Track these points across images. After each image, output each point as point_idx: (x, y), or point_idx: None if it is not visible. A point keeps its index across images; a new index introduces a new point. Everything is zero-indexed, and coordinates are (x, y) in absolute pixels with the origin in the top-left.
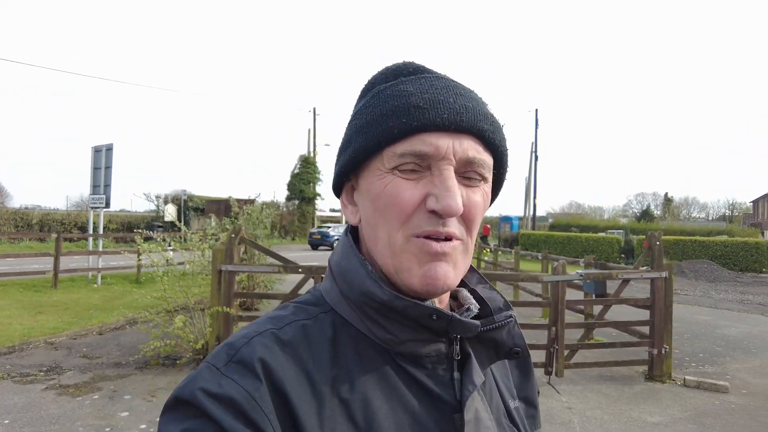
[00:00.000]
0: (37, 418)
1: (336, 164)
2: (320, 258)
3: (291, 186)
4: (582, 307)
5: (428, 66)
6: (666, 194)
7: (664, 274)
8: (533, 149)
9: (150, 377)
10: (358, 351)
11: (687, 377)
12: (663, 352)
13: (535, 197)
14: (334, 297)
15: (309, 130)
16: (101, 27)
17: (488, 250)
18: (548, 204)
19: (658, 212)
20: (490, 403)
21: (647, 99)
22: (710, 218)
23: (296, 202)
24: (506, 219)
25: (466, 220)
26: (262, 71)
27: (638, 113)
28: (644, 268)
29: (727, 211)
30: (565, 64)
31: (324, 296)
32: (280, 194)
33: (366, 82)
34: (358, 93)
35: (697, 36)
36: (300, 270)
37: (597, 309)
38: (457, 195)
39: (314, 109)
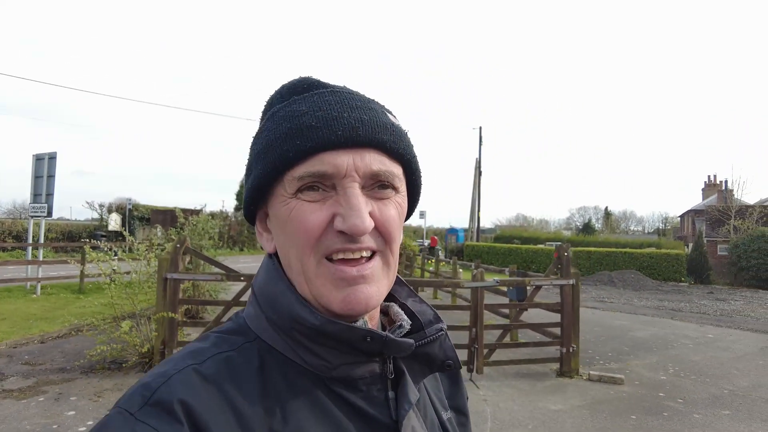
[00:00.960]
0: None
1: (244, 192)
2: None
3: (239, 196)
4: (507, 311)
5: (368, 90)
6: (606, 208)
7: (571, 282)
8: (477, 165)
9: (96, 380)
10: (288, 380)
11: (591, 372)
12: (571, 350)
13: (479, 210)
14: (259, 324)
15: None
16: (39, 29)
17: (431, 261)
18: (496, 216)
19: (599, 225)
20: (425, 418)
21: (591, 115)
22: (646, 231)
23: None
24: (452, 231)
25: (382, 233)
26: (213, 81)
27: (582, 129)
28: (554, 276)
29: (660, 224)
30: (510, 82)
31: (248, 323)
32: (229, 204)
33: (265, 102)
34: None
35: (635, 57)
36: (242, 278)
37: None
38: (363, 213)
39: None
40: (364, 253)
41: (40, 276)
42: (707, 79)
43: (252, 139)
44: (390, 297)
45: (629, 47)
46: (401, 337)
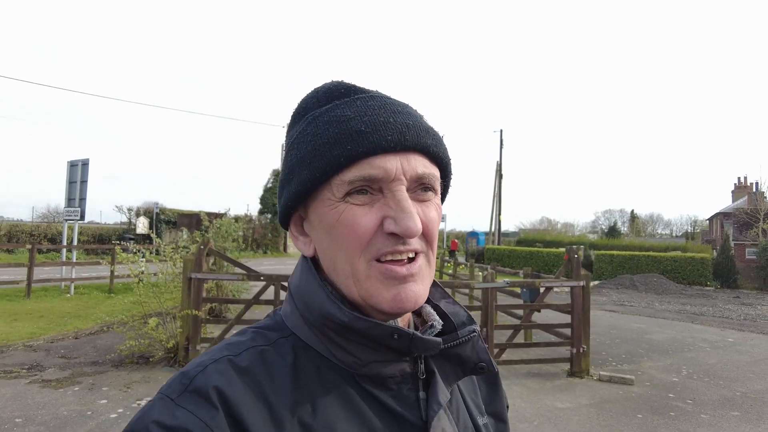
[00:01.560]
0: (25, 405)
1: (280, 197)
2: (281, 269)
3: (263, 200)
4: (521, 312)
5: (388, 92)
6: (632, 211)
7: (581, 283)
8: (498, 168)
9: (125, 373)
10: (320, 374)
11: (601, 373)
12: (581, 351)
13: (499, 214)
14: (294, 321)
15: (282, 145)
16: (74, 40)
17: (450, 264)
18: (520, 219)
19: (625, 228)
20: (458, 421)
21: (618, 116)
22: (674, 234)
23: (269, 215)
24: (473, 234)
25: (425, 235)
26: (239, 88)
27: (609, 131)
28: (564, 278)
29: (689, 227)
30: (536, 84)
31: (284, 320)
32: (254, 208)
33: (296, 106)
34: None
35: (661, 57)
36: (262, 278)
37: (536, 314)
38: (415, 215)
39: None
40: (410, 255)
41: (73, 276)
42: (738, 79)
43: (288, 144)
44: None
45: (657, 47)
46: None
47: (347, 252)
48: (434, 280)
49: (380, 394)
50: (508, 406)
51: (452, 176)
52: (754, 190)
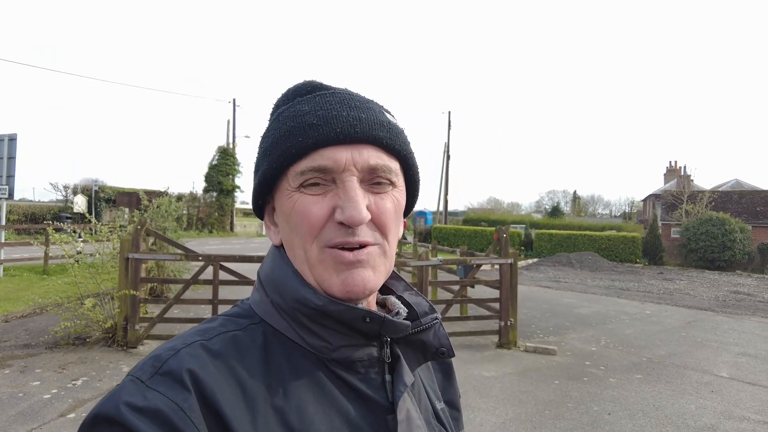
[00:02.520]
0: None
1: (253, 187)
2: (224, 250)
3: (209, 178)
4: (457, 288)
5: (339, 74)
6: (574, 192)
7: (509, 261)
8: (446, 149)
9: (60, 354)
10: (291, 359)
11: (527, 344)
12: (509, 324)
13: (446, 194)
14: (264, 308)
15: (228, 121)
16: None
17: (401, 243)
18: (468, 200)
19: (567, 208)
20: (419, 403)
21: (563, 100)
22: (614, 215)
23: (214, 194)
24: (421, 213)
25: (378, 225)
26: (184, 62)
27: (555, 115)
28: (494, 255)
29: (626, 208)
30: (485, 67)
31: (253, 308)
32: (199, 186)
33: (273, 104)
34: (279, 86)
35: (604, 44)
36: (200, 258)
37: (471, 290)
38: (360, 204)
39: (234, 100)
40: (362, 245)
41: (2, 258)
42: (677, 67)
43: (260, 139)
44: (387, 291)
45: (599, 33)
46: None
47: (301, 239)
48: (396, 273)
49: (349, 377)
50: (460, 396)
51: (417, 169)
52: (681, 173)
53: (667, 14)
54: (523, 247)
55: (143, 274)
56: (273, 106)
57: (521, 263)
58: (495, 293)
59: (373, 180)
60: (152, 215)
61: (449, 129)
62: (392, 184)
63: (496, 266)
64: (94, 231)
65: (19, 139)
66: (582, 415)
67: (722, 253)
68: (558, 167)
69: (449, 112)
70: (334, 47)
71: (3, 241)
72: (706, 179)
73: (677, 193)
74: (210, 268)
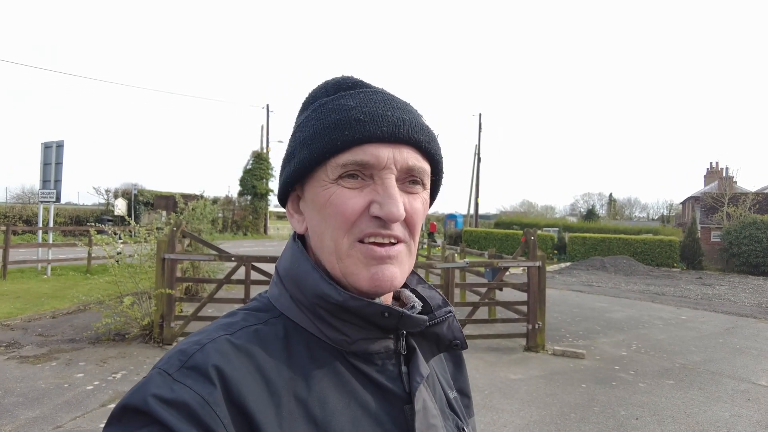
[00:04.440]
0: (3, 379)
1: (281, 175)
2: (257, 251)
3: (243, 182)
4: (484, 290)
5: (370, 77)
6: (610, 194)
7: (537, 263)
8: (476, 152)
9: (102, 349)
10: (311, 352)
11: (555, 348)
12: (536, 327)
13: (477, 196)
14: (284, 302)
15: (262, 127)
16: (51, 20)
17: (427, 246)
18: (500, 203)
19: (603, 212)
20: (434, 393)
21: (598, 101)
22: (651, 218)
23: (248, 197)
24: (451, 216)
25: (408, 224)
26: (218, 68)
27: (589, 115)
28: (521, 258)
29: (664, 211)
30: (518, 70)
31: (272, 302)
32: (235, 190)
33: (307, 95)
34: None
35: (641, 42)
36: (233, 258)
37: (500, 292)
38: (399, 202)
39: (267, 105)
40: (392, 240)
41: (50, 258)
42: (717, 66)
43: (295, 127)
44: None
45: (637, 32)
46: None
47: (333, 230)
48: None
49: (367, 369)
50: (469, 383)
51: (443, 175)
52: (723, 175)
53: (709, 9)
54: (555, 251)
55: (179, 274)
56: (308, 96)
57: (554, 267)
58: (523, 296)
59: (408, 179)
60: (188, 218)
61: (480, 131)
62: (423, 185)
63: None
64: (132, 233)
65: (66, 145)
66: (608, 419)
67: (767, 258)
68: (593, 169)
69: (480, 114)
70: (366, 53)
71: (51, 242)
72: (750, 181)
73: (717, 196)
74: (242, 269)
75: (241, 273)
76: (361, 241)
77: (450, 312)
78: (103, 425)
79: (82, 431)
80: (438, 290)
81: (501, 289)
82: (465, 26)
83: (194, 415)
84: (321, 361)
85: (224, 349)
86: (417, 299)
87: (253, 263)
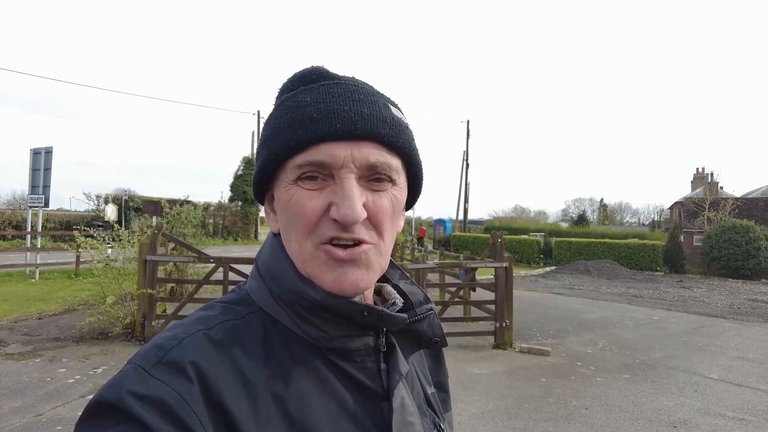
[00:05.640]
0: None
1: (253, 174)
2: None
3: (234, 187)
4: (459, 290)
5: (334, 70)
6: (601, 200)
7: (504, 264)
8: (464, 158)
9: (85, 347)
10: (289, 348)
11: (522, 345)
12: (504, 325)
13: (466, 202)
14: (261, 296)
15: (253, 133)
16: (39, 24)
17: (417, 250)
18: (492, 208)
19: (594, 217)
20: (412, 390)
21: (590, 106)
22: (642, 223)
23: (239, 203)
24: (440, 222)
25: (374, 224)
26: (210, 75)
27: (582, 120)
28: (489, 259)
29: (655, 216)
30: (510, 75)
31: (250, 295)
32: (227, 195)
33: (278, 89)
34: None
35: (629, 47)
36: (211, 260)
37: (472, 293)
38: (355, 203)
39: (258, 112)
40: (355, 242)
41: (38, 262)
42: (707, 72)
43: (263, 125)
44: (383, 278)
45: (625, 37)
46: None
47: (296, 233)
48: (393, 262)
49: (346, 366)
50: (448, 377)
51: (419, 166)
52: (709, 180)
53: (700, 12)
54: (542, 255)
55: (163, 276)
56: (278, 90)
57: (539, 271)
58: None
59: (372, 177)
60: (173, 222)
61: (468, 138)
62: (392, 181)
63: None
64: (117, 237)
65: (60, 151)
66: (560, 408)
67: (746, 262)
68: (585, 175)
69: (468, 121)
70: (356, 58)
71: (39, 246)
72: (738, 186)
73: (699, 200)
74: (221, 270)
75: (220, 274)
76: (324, 244)
77: (431, 309)
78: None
79: (61, 419)
80: (420, 287)
81: (474, 290)
82: (453, 33)
83: (171, 412)
84: (299, 358)
85: (202, 344)
86: (398, 296)
87: (231, 264)
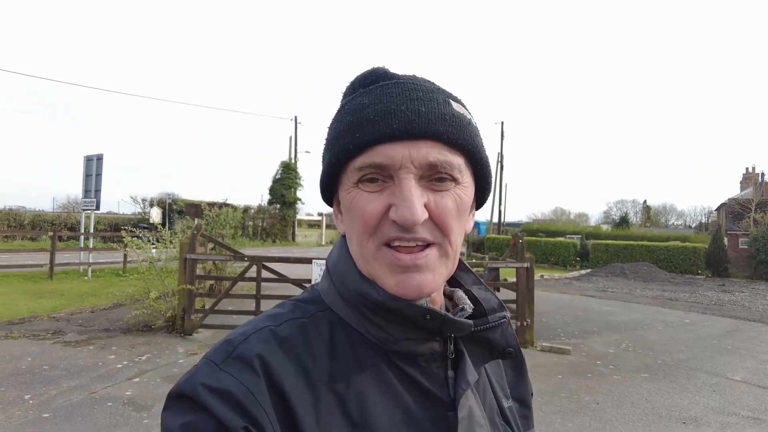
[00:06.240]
0: (50, 358)
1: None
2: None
3: (273, 191)
4: None
5: (398, 70)
6: (644, 201)
7: (526, 265)
8: (499, 159)
9: (131, 337)
10: (354, 349)
11: (543, 344)
12: (525, 324)
13: (501, 204)
14: (331, 297)
15: (291, 138)
16: (88, 38)
17: None
18: (531, 210)
19: (637, 219)
20: (484, 401)
21: (633, 105)
22: (689, 225)
23: (277, 206)
24: (475, 224)
25: (438, 224)
26: (249, 83)
27: (624, 120)
28: (510, 260)
29: (703, 218)
30: (552, 77)
31: (321, 295)
32: (267, 198)
33: (342, 92)
34: (336, 100)
35: (673, 46)
36: (245, 258)
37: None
38: (414, 204)
39: (295, 117)
40: (419, 243)
41: (90, 261)
42: (752, 67)
43: (327, 129)
44: (456, 283)
45: (669, 36)
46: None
47: (358, 234)
48: (466, 266)
49: (411, 370)
50: (532, 393)
51: (485, 162)
52: (760, 179)
53: (748, 11)
54: (578, 258)
55: (202, 273)
56: (342, 94)
57: (574, 273)
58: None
59: (433, 176)
60: (211, 223)
61: (502, 139)
62: (455, 180)
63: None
64: (161, 238)
65: (109, 157)
66: (571, 403)
67: None
68: (628, 176)
69: (502, 123)
70: (391, 62)
71: (91, 247)
72: None
73: (744, 202)
74: (255, 268)
75: (253, 272)
76: (388, 245)
77: (504, 317)
78: (128, 393)
79: (111, 397)
80: (495, 293)
81: (498, 290)
82: (487, 34)
83: (238, 404)
84: (363, 359)
85: (268, 339)
86: (468, 301)
87: (264, 263)
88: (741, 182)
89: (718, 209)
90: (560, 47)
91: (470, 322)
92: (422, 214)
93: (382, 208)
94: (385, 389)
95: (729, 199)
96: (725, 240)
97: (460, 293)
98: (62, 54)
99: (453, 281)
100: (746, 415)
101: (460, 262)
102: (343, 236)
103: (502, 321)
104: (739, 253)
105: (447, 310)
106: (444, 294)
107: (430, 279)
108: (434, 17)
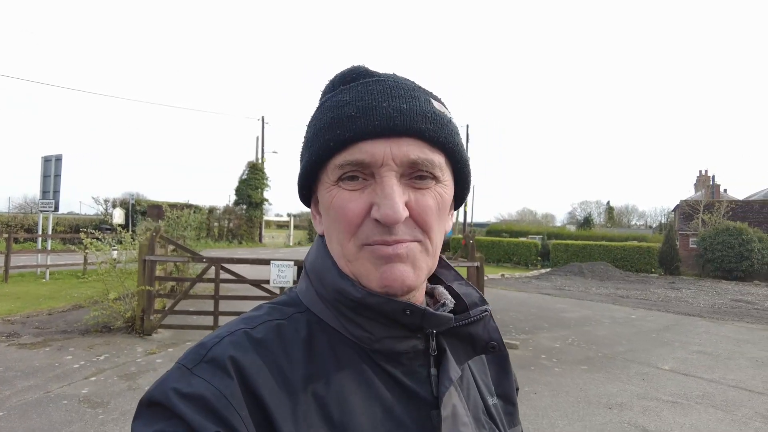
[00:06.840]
0: (5, 360)
1: (297, 177)
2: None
3: (239, 191)
4: None
5: (376, 68)
6: (608, 202)
7: (476, 264)
8: None
9: (90, 338)
10: (334, 349)
11: None
12: None
13: (466, 205)
14: (309, 297)
15: (257, 138)
16: (54, 36)
17: None
18: (498, 211)
19: (600, 219)
20: (468, 398)
21: (598, 108)
22: (650, 225)
23: (244, 207)
24: None
25: (418, 222)
26: (215, 81)
27: (589, 123)
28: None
29: (662, 218)
30: (511, 80)
31: (299, 297)
32: (234, 199)
33: (321, 90)
34: (305, 102)
35: (636, 52)
36: (204, 260)
37: None
38: (396, 202)
39: (263, 117)
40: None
41: (48, 263)
42: (712, 74)
43: (306, 128)
44: (436, 280)
45: (633, 40)
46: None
47: (338, 234)
48: (447, 263)
49: (392, 369)
50: (518, 389)
51: (465, 161)
52: (710, 182)
53: (707, 18)
54: (539, 257)
55: (162, 275)
56: (321, 92)
57: (533, 272)
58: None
59: (414, 174)
60: (172, 225)
61: (467, 142)
62: (435, 178)
63: (505, 274)
64: (119, 240)
65: (69, 157)
66: None
67: (739, 263)
68: (594, 177)
69: (467, 126)
70: (357, 60)
71: (49, 249)
72: (741, 189)
73: (694, 203)
74: (213, 269)
75: (212, 273)
76: (369, 245)
77: (486, 311)
78: (84, 391)
79: (66, 395)
80: (476, 288)
81: None
82: (451, 36)
83: (212, 409)
84: (343, 359)
85: (241, 341)
86: (450, 297)
87: (222, 264)
88: (695, 184)
89: (674, 210)
90: (525, 52)
91: (450, 316)
92: (404, 212)
93: (364, 206)
94: (366, 388)
95: (681, 200)
96: (677, 240)
97: (441, 289)
98: (19, 49)
99: (434, 278)
100: (666, 400)
101: (441, 259)
102: (321, 236)
103: (483, 315)
104: (689, 252)
105: (428, 306)
106: (426, 292)
107: (411, 271)
108: (400, 18)
